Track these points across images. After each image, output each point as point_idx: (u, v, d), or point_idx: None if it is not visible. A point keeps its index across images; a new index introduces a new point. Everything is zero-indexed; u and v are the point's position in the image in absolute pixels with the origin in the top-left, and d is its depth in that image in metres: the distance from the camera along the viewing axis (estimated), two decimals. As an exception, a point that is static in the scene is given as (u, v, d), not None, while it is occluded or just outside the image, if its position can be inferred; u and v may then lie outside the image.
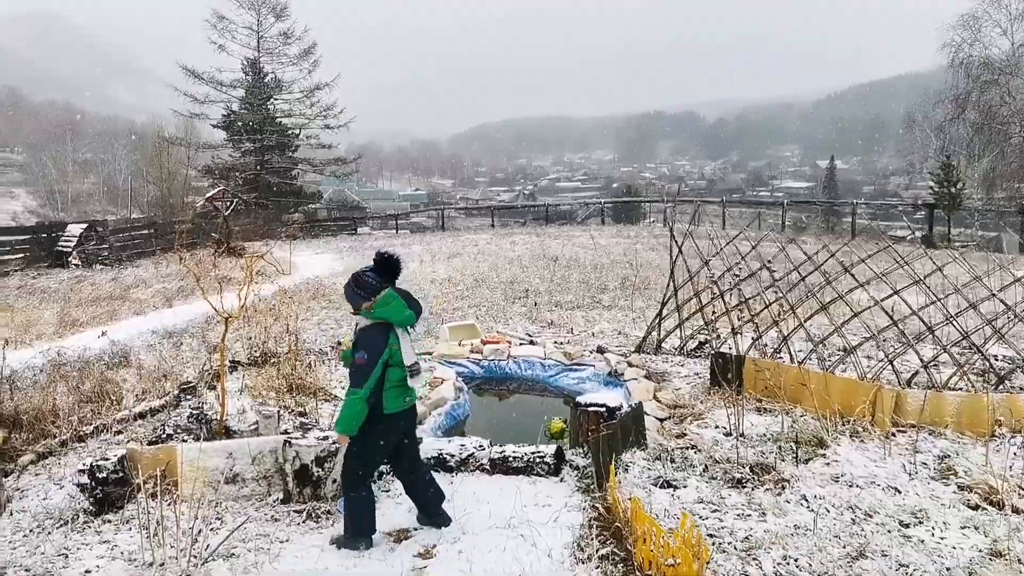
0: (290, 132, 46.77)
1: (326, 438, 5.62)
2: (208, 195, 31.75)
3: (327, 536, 5.18)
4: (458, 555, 4.76)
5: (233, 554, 4.98)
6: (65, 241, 26.74)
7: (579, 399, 6.35)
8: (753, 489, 5.56)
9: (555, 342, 10.66)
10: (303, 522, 5.36)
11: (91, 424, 7.79)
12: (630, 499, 4.91)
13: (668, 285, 9.70)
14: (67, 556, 5.05)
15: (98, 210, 73.49)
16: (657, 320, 9.58)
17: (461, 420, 8.42)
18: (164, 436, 6.63)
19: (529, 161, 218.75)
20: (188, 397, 8.02)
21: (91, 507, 5.64)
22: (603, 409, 6.08)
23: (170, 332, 13.68)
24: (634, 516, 4.56)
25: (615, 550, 4.60)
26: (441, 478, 6.10)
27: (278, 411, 6.73)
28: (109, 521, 5.52)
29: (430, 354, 10.17)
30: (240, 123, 45.34)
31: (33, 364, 10.65)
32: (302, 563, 4.78)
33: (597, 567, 4.48)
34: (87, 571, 4.84)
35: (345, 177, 52.54)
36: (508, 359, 10.00)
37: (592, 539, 4.81)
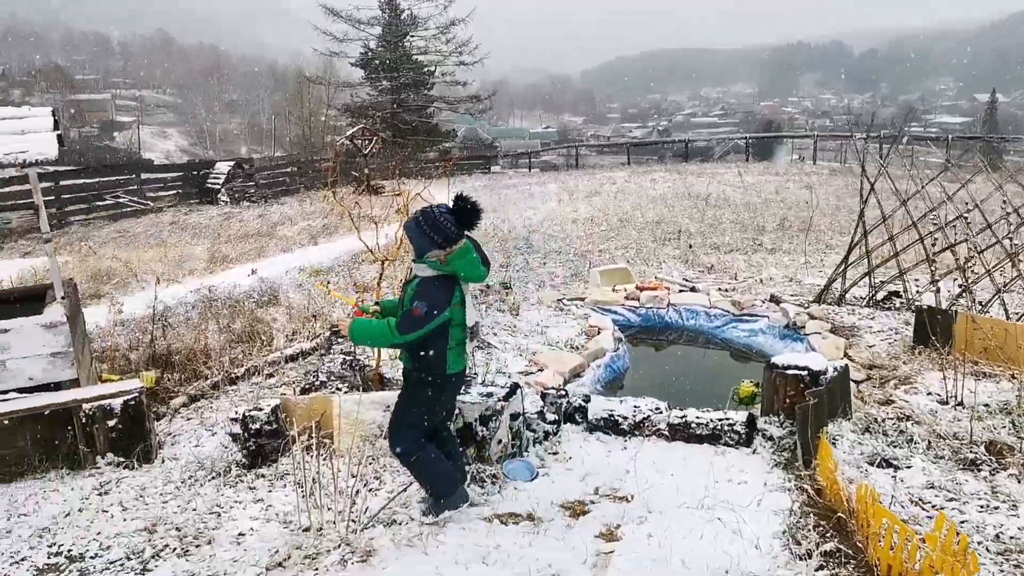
0: (425, 69, 46.55)
1: (489, 395, 5.07)
2: (348, 133, 31.92)
3: (495, 506, 4.66)
4: (647, 539, 4.13)
5: (395, 521, 4.53)
6: (214, 178, 27.43)
7: (775, 360, 5.56)
8: (993, 473, 4.67)
9: (719, 289, 9.82)
10: (467, 486, 4.86)
11: (242, 366, 7.59)
12: (850, 482, 4.15)
13: (856, 227, 8.65)
14: (219, 515, 4.73)
15: (243, 149, 76.09)
16: (843, 267, 8.58)
17: (621, 373, 7.78)
18: (317, 383, 6.28)
19: (663, 96, 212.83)
20: (339, 340, 7.68)
21: (244, 459, 5.32)
22: (804, 372, 5.27)
23: (316, 270, 13.57)
24: (864, 506, 3.80)
25: (840, 546, 3.86)
26: (613, 442, 5.49)
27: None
28: (263, 476, 5.19)
29: (582, 299, 9.53)
30: (377, 61, 45.44)
31: (185, 301, 10.66)
32: (471, 537, 4.27)
33: (820, 567, 3.76)
34: (240, 534, 4.49)
35: (479, 115, 52.10)
36: (668, 307, 9.25)
37: (809, 529, 4.08)
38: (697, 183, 25.94)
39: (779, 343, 8.16)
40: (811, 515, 4.26)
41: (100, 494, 5.18)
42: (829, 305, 8.60)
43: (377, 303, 4.59)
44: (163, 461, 5.73)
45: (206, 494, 5.04)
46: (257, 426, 5.24)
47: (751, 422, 5.28)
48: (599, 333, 8.10)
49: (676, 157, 49.01)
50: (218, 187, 26.89)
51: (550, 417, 5.50)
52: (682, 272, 11.33)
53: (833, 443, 4.95)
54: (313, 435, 5.31)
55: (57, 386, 5.89)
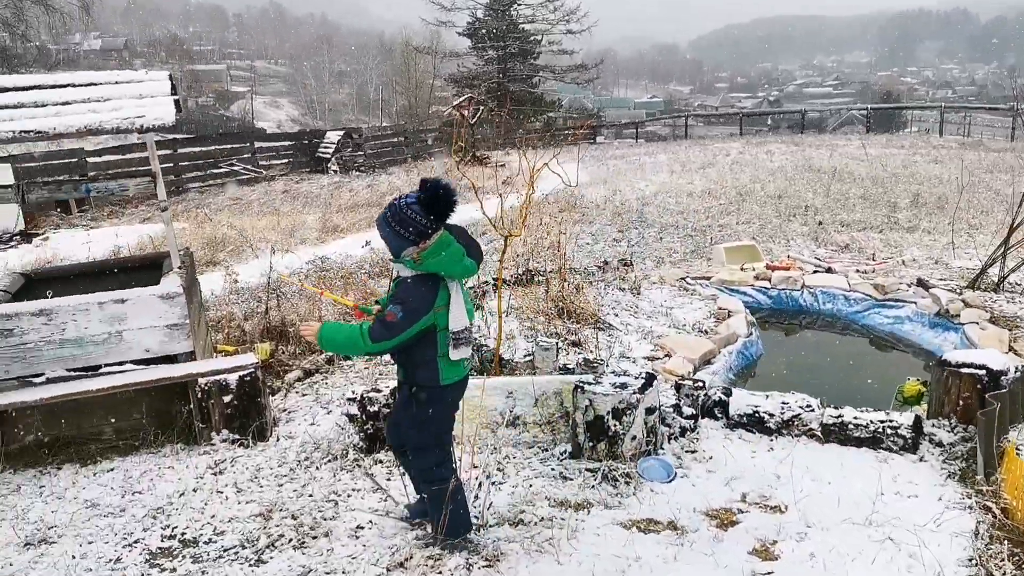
0: (532, 38, 45.97)
1: (623, 386, 4.64)
2: (456, 103, 31.71)
3: (630, 510, 4.24)
4: (810, 560, 3.65)
5: (521, 520, 4.16)
6: (324, 148, 27.68)
7: (946, 356, 4.94)
8: None
9: (857, 271, 9.08)
10: (597, 484, 4.46)
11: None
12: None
13: (1020, 206, 7.79)
14: (336, 503, 4.46)
15: (351, 119, 77.19)
16: (1002, 249, 7.76)
17: (754, 360, 7.23)
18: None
19: (774, 65, 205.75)
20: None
21: (361, 443, 5.05)
22: (982, 372, 4.65)
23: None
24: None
25: (1048, 585, 3.30)
26: (758, 442, 4.99)
27: (556, 344, 5.85)
28: (380, 462, 4.91)
29: (707, 278, 8.96)
30: (484, 30, 45.11)
31: (299, 271, 10.57)
32: (607, 545, 3.87)
33: (1026, 608, 3.21)
34: (359, 527, 4.21)
35: (585, 85, 51.23)
36: (802, 289, 8.59)
37: (1003, 558, 3.52)
38: (816, 155, 24.67)
39: (929, 332, 7.44)
40: (1003, 540, 3.68)
41: (215, 473, 5.00)
42: (985, 292, 7.80)
43: (378, 302, 3.99)
44: (278, 440, 5.53)
45: (322, 478, 4.79)
46: (375, 408, 4.96)
47: (917, 425, 4.69)
48: (730, 316, 7.55)
49: (789, 128, 47.08)
50: (328, 156, 27.11)
51: (687, 411, 5.04)
52: (813, 251, 10.59)
53: (1018, 453, 4.33)
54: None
55: (173, 358, 5.76)
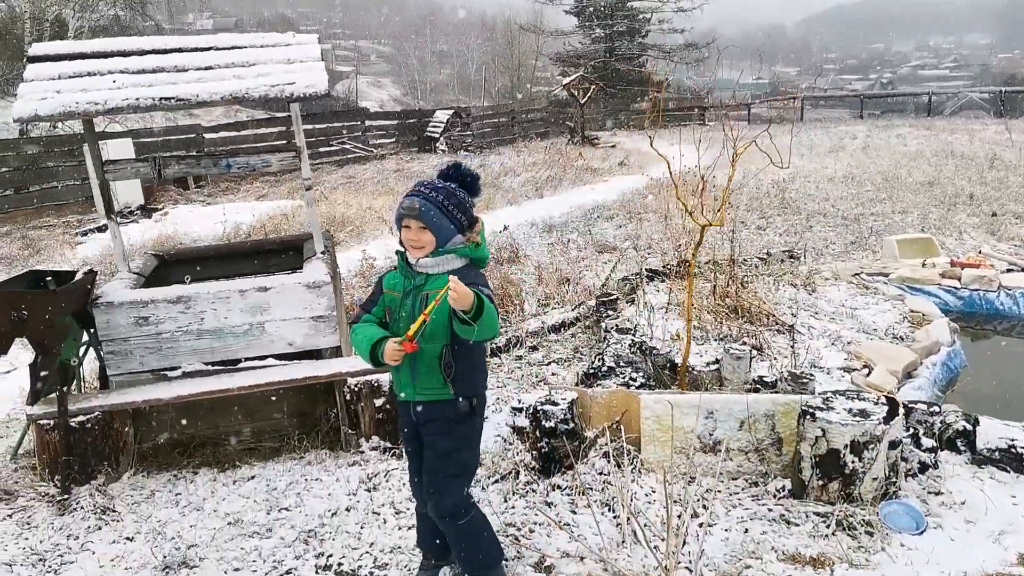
0: (640, 16, 44.68)
1: (864, 414, 3.81)
2: (565, 82, 30.86)
3: (881, 569, 3.43)
4: None
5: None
6: (433, 127, 27.27)
7: None
8: None
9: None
10: (832, 534, 3.66)
11: (503, 331, 6.70)
12: None
13: None
14: (517, 538, 3.79)
15: (452, 99, 76.99)
16: None
17: (956, 373, 6.25)
18: (603, 368, 5.25)
19: (887, 46, 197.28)
20: (609, 313, 6.64)
21: (534, 463, 4.37)
22: None
23: (549, 225, 12.66)
24: None
25: None
26: (1014, 482, 4.09)
27: (750, 352, 5.05)
28: (559, 487, 4.21)
29: (885, 275, 7.97)
30: (591, 8, 44.07)
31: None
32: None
33: None
34: (547, 568, 3.53)
35: (694, 64, 49.54)
36: (998, 290, 7.53)
37: None
38: (955, 140, 22.95)
39: None
40: None
41: (368, 490, 4.40)
42: None
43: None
44: (430, 449, 4.90)
45: (492, 502, 4.13)
46: (552, 424, 4.26)
47: None
48: (929, 321, 6.59)
49: (904, 112, 44.40)
50: (437, 135, 26.71)
51: (926, 443, 4.18)
52: (993, 245, 9.44)
53: None
54: (611, 440, 4.30)
55: (317, 354, 5.20)
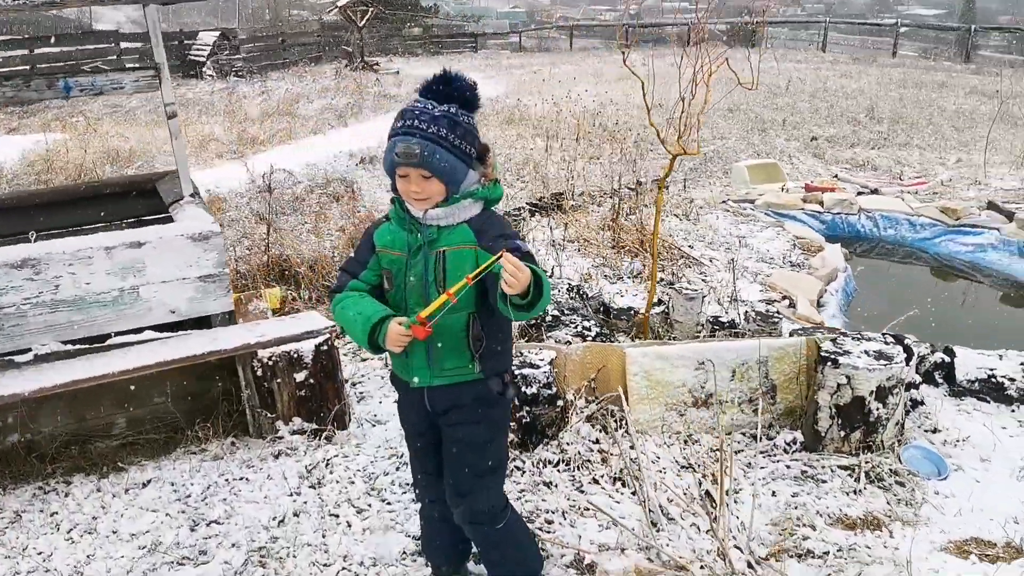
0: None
1: (885, 357, 3.53)
2: (341, 3, 29.04)
3: (939, 525, 3.20)
4: None
5: (809, 551, 3.04)
6: (198, 50, 24.82)
7: None
8: None
9: (909, 193, 8.30)
10: (862, 489, 3.38)
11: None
12: None
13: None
14: (537, 533, 3.20)
15: (198, 21, 71.04)
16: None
17: (852, 297, 6.30)
18: (546, 320, 4.68)
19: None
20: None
21: (514, 436, 3.75)
22: None
23: (370, 156, 11.72)
24: None
25: None
26: (1000, 415, 4.04)
27: (702, 292, 4.68)
28: (549, 463, 3.63)
29: (750, 202, 7.96)
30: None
31: (238, 192, 8.84)
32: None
33: None
34: (589, 567, 2.98)
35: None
36: (859, 213, 7.73)
37: None
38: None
39: (1021, 262, 6.73)
40: None
41: (313, 486, 3.61)
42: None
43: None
44: (360, 425, 4.15)
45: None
46: (534, 389, 3.66)
47: None
48: (819, 248, 6.58)
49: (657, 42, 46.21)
50: (203, 59, 24.30)
51: (912, 379, 4.01)
52: (827, 169, 9.78)
53: None
54: (593, 401, 3.80)
55: (207, 321, 4.22)
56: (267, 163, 10.57)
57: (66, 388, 3.63)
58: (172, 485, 3.66)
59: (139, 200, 5.05)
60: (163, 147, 12.56)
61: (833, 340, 3.69)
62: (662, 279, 5.65)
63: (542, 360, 3.74)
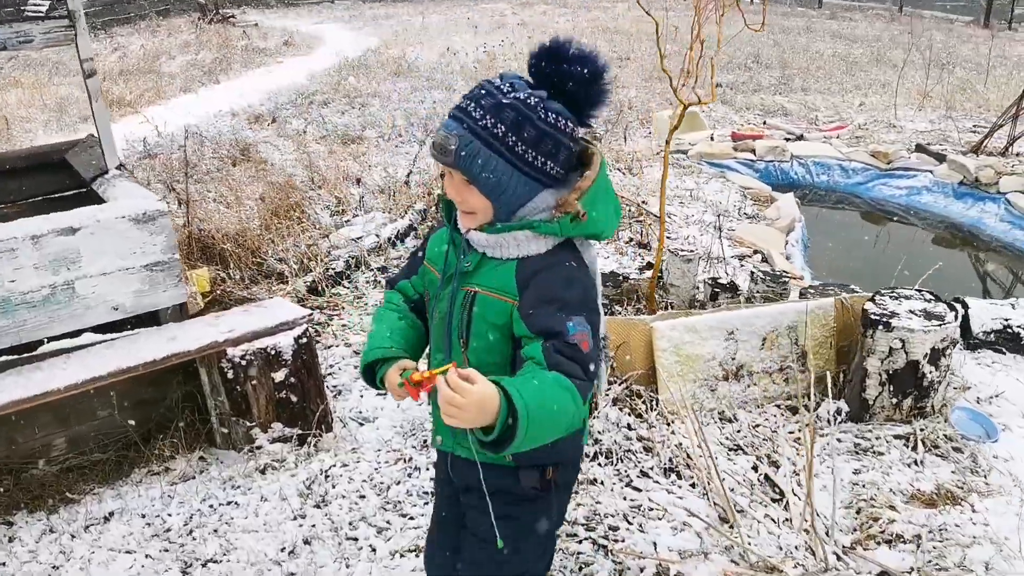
0: None
1: (936, 317, 3.31)
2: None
3: (1013, 492, 3.02)
4: None
5: (898, 534, 2.80)
6: (34, 6, 22.44)
7: None
8: None
9: (834, 138, 8.27)
10: (919, 461, 3.18)
11: (320, 257, 5.33)
12: None
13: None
14: (601, 543, 2.81)
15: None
16: (1015, 109, 7.18)
17: (807, 248, 6.18)
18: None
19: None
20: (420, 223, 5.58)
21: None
22: None
23: (255, 115, 10.82)
24: None
25: None
26: (1015, 364, 3.94)
27: (697, 253, 4.37)
28: (585, 457, 3.25)
29: (684, 153, 7.73)
30: None
31: (126, 158, 7.92)
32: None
33: None
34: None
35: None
36: (791, 160, 7.63)
37: None
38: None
39: (957, 204, 6.78)
40: None
41: (317, 505, 3.09)
42: (991, 157, 7.24)
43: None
44: (344, 425, 3.64)
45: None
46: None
47: None
48: (768, 198, 6.41)
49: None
50: (42, 16, 22.04)
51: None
52: (741, 117, 9.68)
53: None
54: (620, 382, 3.46)
55: (154, 317, 3.58)
56: (137, 126, 9.59)
57: (3, 412, 2.97)
58: (143, 517, 3.07)
59: (44, 176, 4.27)
60: (18, 112, 11.28)
61: (872, 299, 3.44)
62: (631, 240, 5.32)
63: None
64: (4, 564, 2.86)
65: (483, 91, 1.61)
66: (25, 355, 3.24)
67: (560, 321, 1.54)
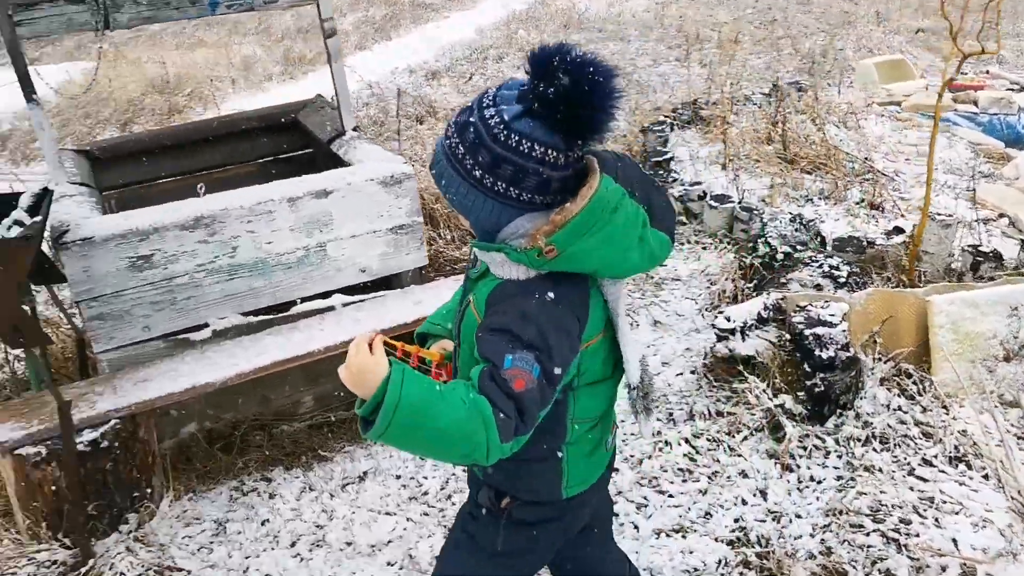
0: None
1: None
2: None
3: None
4: None
5: None
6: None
7: None
8: None
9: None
10: None
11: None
12: None
13: None
14: (903, 544, 2.60)
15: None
16: None
17: None
18: (776, 257, 4.01)
19: None
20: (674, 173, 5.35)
21: (804, 408, 3.13)
22: None
23: (433, 72, 10.87)
24: None
25: None
26: None
27: (955, 216, 3.99)
28: (857, 440, 3.02)
29: (897, 104, 7.18)
30: None
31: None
32: None
33: None
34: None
35: None
36: (1019, 112, 6.95)
37: None
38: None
39: None
40: None
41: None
42: None
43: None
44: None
45: (767, 474, 2.89)
46: (831, 352, 3.02)
47: None
48: (1004, 155, 5.86)
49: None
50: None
51: None
52: (950, 64, 8.91)
53: None
54: (887, 360, 3.18)
55: (396, 280, 3.58)
56: (317, 85, 9.79)
57: (265, 373, 3.03)
58: (398, 478, 3.09)
59: (271, 136, 4.35)
60: (207, 71, 11.76)
61: None
62: (862, 200, 4.96)
63: (833, 316, 3.10)
64: (267, 520, 2.92)
65: (470, 104, 1.48)
66: (280, 315, 3.30)
67: (501, 352, 1.42)
